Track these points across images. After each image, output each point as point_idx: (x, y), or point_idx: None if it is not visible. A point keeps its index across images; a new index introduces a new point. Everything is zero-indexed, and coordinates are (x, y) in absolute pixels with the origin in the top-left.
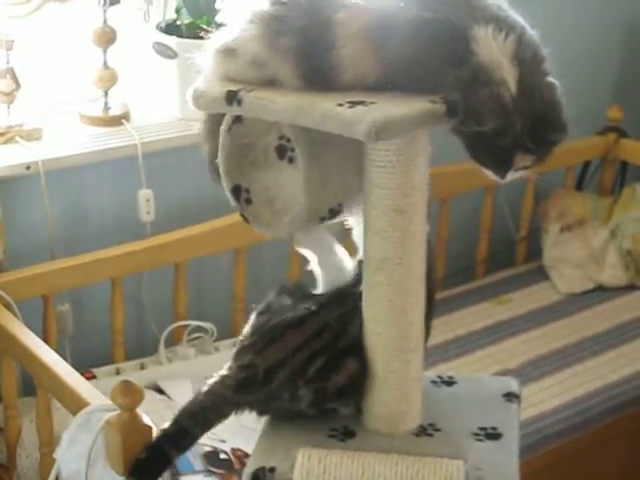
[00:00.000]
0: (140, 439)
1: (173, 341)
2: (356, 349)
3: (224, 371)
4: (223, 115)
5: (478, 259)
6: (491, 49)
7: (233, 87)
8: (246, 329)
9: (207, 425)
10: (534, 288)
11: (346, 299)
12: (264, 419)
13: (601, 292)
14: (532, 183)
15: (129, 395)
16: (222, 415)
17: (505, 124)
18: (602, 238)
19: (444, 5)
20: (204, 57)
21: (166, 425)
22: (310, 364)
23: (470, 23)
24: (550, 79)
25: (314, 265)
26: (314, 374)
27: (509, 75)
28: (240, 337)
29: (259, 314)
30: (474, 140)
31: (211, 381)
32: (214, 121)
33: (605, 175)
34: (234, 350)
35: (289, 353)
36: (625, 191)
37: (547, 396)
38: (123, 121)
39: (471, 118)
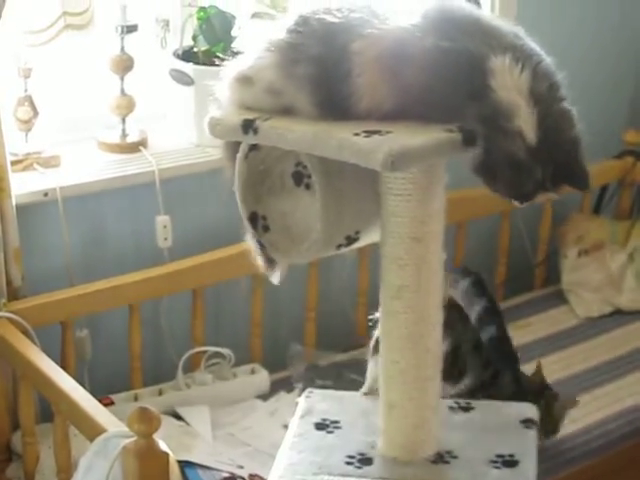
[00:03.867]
0: (157, 466)
1: (191, 367)
2: None
3: None
4: (240, 144)
5: (496, 283)
6: (507, 85)
7: (249, 115)
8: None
9: None
10: (552, 312)
11: None
12: (282, 445)
13: (619, 316)
14: (549, 207)
15: (146, 421)
16: None
17: (521, 180)
18: (620, 262)
19: (461, 34)
20: (221, 85)
21: None
22: None
23: (487, 52)
24: (566, 106)
25: None
26: None
27: (527, 121)
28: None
29: None
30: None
31: None
32: (232, 147)
33: (622, 199)
34: None
35: None
36: None
37: (566, 420)
38: (140, 148)
39: (487, 175)
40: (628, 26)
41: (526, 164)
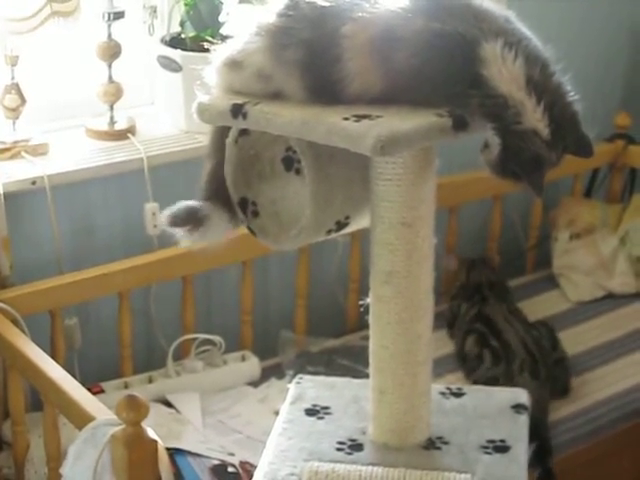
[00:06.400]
0: (145, 453)
1: (181, 354)
2: None
3: None
4: (229, 130)
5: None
6: (504, 77)
7: (239, 100)
8: None
9: None
10: (544, 296)
11: None
12: (272, 432)
13: (611, 300)
14: None
15: (134, 409)
16: None
17: (544, 172)
18: (611, 245)
19: (452, 17)
20: (210, 70)
21: None
22: None
23: (478, 37)
24: (559, 79)
25: None
26: None
27: (537, 117)
28: None
29: None
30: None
31: None
32: (220, 137)
33: (614, 182)
34: None
35: None
36: (634, 198)
37: (557, 404)
38: (129, 135)
39: (511, 177)
40: (620, 9)
41: (547, 157)
